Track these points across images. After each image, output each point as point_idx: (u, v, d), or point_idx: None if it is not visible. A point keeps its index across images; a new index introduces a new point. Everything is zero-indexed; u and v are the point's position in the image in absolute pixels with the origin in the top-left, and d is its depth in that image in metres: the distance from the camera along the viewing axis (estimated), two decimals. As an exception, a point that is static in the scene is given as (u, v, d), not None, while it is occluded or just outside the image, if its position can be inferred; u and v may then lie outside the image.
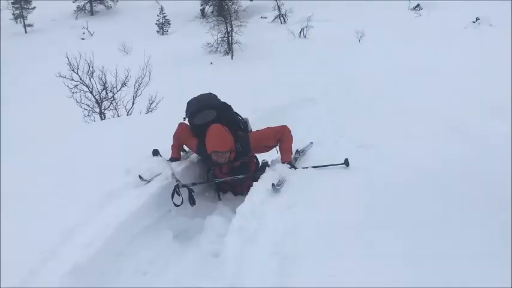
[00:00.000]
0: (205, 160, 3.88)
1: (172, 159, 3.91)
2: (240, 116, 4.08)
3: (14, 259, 2.58)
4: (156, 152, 3.96)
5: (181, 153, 4.09)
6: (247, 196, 3.27)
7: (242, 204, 3.12)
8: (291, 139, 3.88)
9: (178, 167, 3.81)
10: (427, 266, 2.29)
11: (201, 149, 3.74)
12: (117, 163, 3.81)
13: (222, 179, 3.88)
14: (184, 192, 3.49)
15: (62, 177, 3.68)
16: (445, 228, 2.66)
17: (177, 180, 3.51)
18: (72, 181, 3.57)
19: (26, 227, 2.91)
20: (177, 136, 3.94)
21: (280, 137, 3.84)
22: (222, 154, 3.57)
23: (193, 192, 3.54)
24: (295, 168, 3.71)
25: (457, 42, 12.79)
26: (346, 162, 3.65)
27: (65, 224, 2.91)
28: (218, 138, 3.52)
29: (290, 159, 3.83)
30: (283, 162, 3.75)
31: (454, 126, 4.95)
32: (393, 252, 2.43)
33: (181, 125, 3.93)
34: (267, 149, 3.95)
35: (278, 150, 3.95)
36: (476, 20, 15.59)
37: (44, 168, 3.90)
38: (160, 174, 3.62)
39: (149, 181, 3.52)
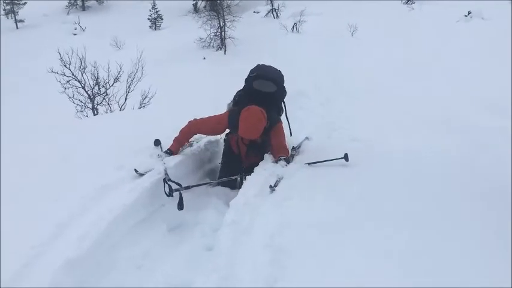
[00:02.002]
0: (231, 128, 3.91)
1: (168, 152, 3.89)
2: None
3: (7, 253, 2.57)
4: (157, 142, 3.98)
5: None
6: (240, 190, 3.28)
7: (236, 197, 3.14)
8: (283, 134, 3.89)
9: (171, 161, 3.82)
10: (424, 261, 2.30)
11: (233, 119, 3.75)
12: (110, 158, 3.81)
13: (216, 181, 3.91)
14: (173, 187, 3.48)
15: (55, 172, 3.66)
16: (443, 225, 2.66)
17: (166, 174, 3.52)
18: (65, 176, 3.56)
19: (19, 221, 2.90)
20: (191, 129, 3.94)
21: (283, 148, 3.83)
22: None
23: (184, 188, 3.49)
24: (289, 162, 3.67)
25: (450, 35, 12.83)
26: (346, 157, 3.60)
27: (59, 218, 2.90)
28: (252, 126, 3.59)
29: (287, 153, 3.79)
30: (278, 158, 3.68)
31: (448, 119, 4.98)
32: (388, 248, 2.43)
33: (194, 121, 3.94)
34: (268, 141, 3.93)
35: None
36: (469, 14, 15.63)
37: (37, 163, 3.88)
38: (153, 169, 3.62)
39: (144, 174, 3.53)
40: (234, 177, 3.79)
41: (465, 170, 3.54)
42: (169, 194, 3.38)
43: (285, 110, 4.24)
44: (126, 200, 3.20)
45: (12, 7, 29.35)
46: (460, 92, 6.47)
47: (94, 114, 9.62)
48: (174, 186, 3.42)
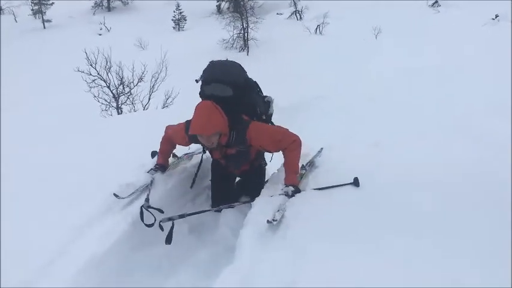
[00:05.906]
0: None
1: (158, 166, 3.59)
2: (264, 97, 3.56)
3: (29, 252, 2.61)
4: (155, 154, 3.77)
5: (172, 158, 3.87)
6: (262, 190, 3.26)
7: (258, 198, 3.11)
8: (298, 155, 3.28)
9: (160, 185, 3.49)
10: (426, 263, 2.27)
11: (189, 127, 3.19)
12: (133, 157, 3.82)
13: (215, 208, 3.41)
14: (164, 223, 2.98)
15: (77, 171, 3.69)
16: (449, 229, 2.61)
17: (146, 201, 3.16)
18: (87, 175, 3.57)
19: (42, 220, 2.93)
20: (167, 139, 3.59)
21: (285, 147, 3.22)
22: (206, 138, 3.07)
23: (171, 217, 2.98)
24: (299, 191, 3.12)
25: (475, 40, 12.63)
26: (356, 182, 3.15)
27: (80, 218, 2.92)
28: (202, 118, 2.98)
29: (295, 181, 3.20)
30: (286, 184, 3.15)
31: (467, 125, 4.90)
32: (398, 252, 2.41)
33: (170, 127, 3.58)
34: (262, 149, 3.40)
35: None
36: (496, 17, 15.36)
37: (60, 163, 3.92)
38: (137, 192, 3.33)
39: (125, 198, 3.25)
40: (237, 203, 3.37)
41: (479, 176, 3.45)
42: (149, 225, 2.95)
43: (270, 106, 3.59)
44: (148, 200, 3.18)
45: (40, 7, 30.00)
46: (482, 98, 6.34)
47: (118, 113, 9.79)
48: (159, 215, 3.05)
